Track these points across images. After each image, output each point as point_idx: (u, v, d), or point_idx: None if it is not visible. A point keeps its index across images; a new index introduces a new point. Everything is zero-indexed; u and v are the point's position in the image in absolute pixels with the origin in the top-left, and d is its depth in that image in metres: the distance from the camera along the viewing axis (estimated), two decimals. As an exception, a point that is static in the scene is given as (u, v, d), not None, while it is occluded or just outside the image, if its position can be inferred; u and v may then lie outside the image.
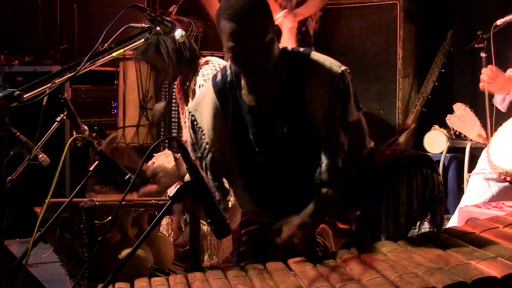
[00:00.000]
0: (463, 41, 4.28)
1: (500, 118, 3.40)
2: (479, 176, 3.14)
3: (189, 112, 2.19)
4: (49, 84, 1.91)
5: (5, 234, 1.53)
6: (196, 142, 2.18)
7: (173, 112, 4.17)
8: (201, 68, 3.07)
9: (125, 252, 2.57)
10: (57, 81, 1.95)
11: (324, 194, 2.03)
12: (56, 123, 2.59)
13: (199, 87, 2.97)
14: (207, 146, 2.13)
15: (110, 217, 2.50)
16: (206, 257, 3.12)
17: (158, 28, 2.11)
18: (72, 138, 2.06)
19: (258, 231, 2.25)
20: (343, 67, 2.04)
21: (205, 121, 2.13)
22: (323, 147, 2.04)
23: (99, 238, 2.45)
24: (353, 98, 2.06)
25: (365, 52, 4.61)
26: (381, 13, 4.55)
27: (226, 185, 2.31)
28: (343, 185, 2.06)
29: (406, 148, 4.30)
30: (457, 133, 3.83)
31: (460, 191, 3.98)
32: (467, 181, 3.41)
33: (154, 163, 3.32)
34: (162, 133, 4.31)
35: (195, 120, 2.16)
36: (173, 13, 3.98)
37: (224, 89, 2.11)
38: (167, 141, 3.85)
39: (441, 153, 4.23)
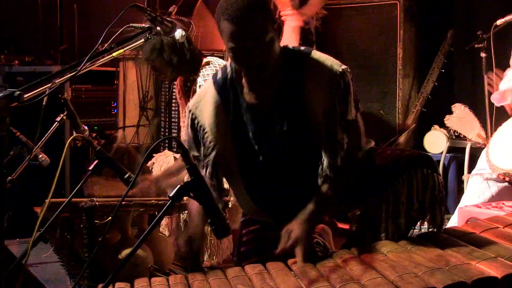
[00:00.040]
0: (463, 41, 4.28)
1: (500, 118, 3.40)
2: (478, 176, 3.14)
3: (189, 110, 2.18)
4: (49, 84, 1.91)
5: (5, 234, 1.53)
6: (194, 141, 2.17)
7: (173, 112, 4.17)
8: (202, 69, 3.07)
9: (125, 252, 2.57)
10: (57, 81, 1.95)
11: (324, 193, 2.03)
12: (56, 123, 2.59)
13: (200, 87, 2.97)
14: (211, 144, 2.12)
15: (110, 217, 2.51)
16: (206, 257, 3.12)
17: (158, 28, 2.11)
18: (71, 138, 2.06)
19: (258, 231, 2.25)
20: (343, 66, 2.04)
21: (207, 118, 2.12)
22: (323, 145, 2.04)
23: (99, 238, 2.45)
24: (353, 97, 2.06)
25: (365, 52, 4.61)
26: (381, 13, 4.56)
27: (226, 185, 2.31)
28: (343, 184, 2.06)
29: (406, 148, 4.30)
30: (456, 133, 3.83)
31: (460, 191, 3.98)
32: (467, 181, 3.41)
33: (154, 163, 3.33)
34: (162, 133, 4.31)
35: (196, 118, 2.15)
36: (173, 13, 3.98)
37: (225, 87, 2.11)
38: (167, 141, 3.86)
39: (441, 153, 4.23)
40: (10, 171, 2.44)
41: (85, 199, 2.46)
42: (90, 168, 1.97)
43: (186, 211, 2.94)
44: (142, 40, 2.10)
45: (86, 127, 2.71)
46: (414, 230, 2.13)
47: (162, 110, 4.31)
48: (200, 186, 1.70)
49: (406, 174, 2.07)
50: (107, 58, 2.13)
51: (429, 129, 4.32)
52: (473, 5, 4.56)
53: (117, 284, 1.82)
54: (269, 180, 2.15)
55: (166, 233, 3.21)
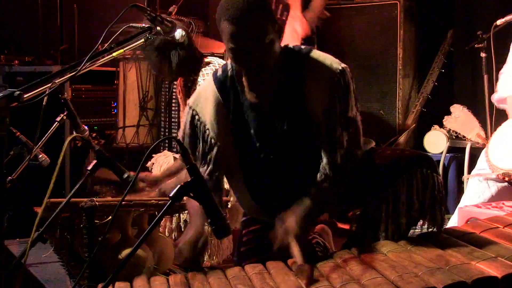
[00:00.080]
0: (463, 41, 4.28)
1: (499, 118, 3.40)
2: (478, 177, 3.14)
3: (190, 107, 2.18)
4: (49, 84, 1.91)
5: (5, 234, 1.53)
6: (192, 138, 2.16)
7: (173, 112, 4.17)
8: (202, 69, 3.07)
9: (125, 252, 2.57)
10: (57, 81, 1.95)
11: (321, 189, 2.03)
12: (56, 123, 2.59)
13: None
14: (213, 141, 2.12)
15: (110, 217, 2.50)
16: (206, 257, 3.12)
17: (158, 28, 2.11)
18: (70, 137, 2.05)
19: (259, 231, 2.25)
20: (343, 65, 2.04)
21: (208, 115, 2.12)
22: (322, 143, 2.03)
23: (99, 238, 2.45)
24: (353, 95, 2.06)
25: (365, 52, 4.61)
26: (381, 13, 4.56)
27: (226, 185, 2.31)
28: (342, 182, 2.06)
29: (406, 148, 4.30)
30: (456, 133, 3.83)
31: (460, 191, 3.98)
32: (467, 181, 3.40)
33: (153, 163, 3.33)
34: (162, 133, 4.31)
35: (196, 114, 2.15)
36: (173, 13, 3.98)
37: (225, 84, 2.11)
38: (167, 141, 3.86)
39: (441, 153, 4.23)
40: (10, 171, 2.44)
41: (85, 199, 2.46)
42: (89, 168, 1.97)
43: (186, 211, 2.94)
44: (142, 40, 2.10)
45: (86, 127, 2.71)
46: (415, 230, 2.14)
47: (162, 110, 4.31)
48: (200, 186, 1.70)
49: (406, 174, 2.07)
50: (107, 58, 2.13)
51: (429, 129, 4.32)
52: (473, 5, 4.56)
53: (117, 284, 1.82)
54: (270, 179, 2.15)
55: (166, 233, 3.21)
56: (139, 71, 4.39)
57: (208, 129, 2.12)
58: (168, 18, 2.16)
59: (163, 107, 4.30)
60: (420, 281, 1.59)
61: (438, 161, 4.16)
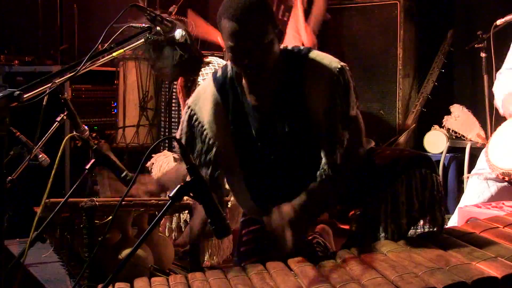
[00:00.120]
0: (463, 41, 4.28)
1: (499, 118, 3.39)
2: (478, 176, 3.14)
3: (189, 107, 2.18)
4: (49, 84, 1.91)
5: (5, 234, 1.53)
6: (189, 137, 2.16)
7: (173, 112, 4.17)
8: (202, 69, 3.07)
9: (125, 252, 2.57)
10: (57, 81, 1.95)
11: (320, 186, 2.03)
12: (56, 123, 2.59)
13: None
14: (210, 141, 2.12)
15: (110, 217, 2.50)
16: (206, 257, 3.12)
17: (158, 28, 2.11)
18: (68, 136, 2.05)
19: (259, 231, 2.25)
20: (342, 63, 2.05)
21: (206, 115, 2.12)
22: (323, 142, 2.04)
23: (99, 238, 2.45)
24: (353, 93, 2.06)
25: (365, 52, 4.62)
26: (381, 13, 4.56)
27: (226, 186, 2.31)
28: (341, 181, 2.06)
29: (406, 148, 4.30)
30: (456, 133, 3.83)
31: (460, 191, 3.98)
32: (467, 181, 3.40)
33: (153, 163, 3.32)
34: (162, 133, 4.31)
35: (194, 114, 2.15)
36: (173, 13, 3.98)
37: (224, 85, 2.12)
38: (167, 141, 3.85)
39: (441, 153, 4.23)
40: (10, 171, 2.44)
41: (85, 199, 2.46)
42: (87, 167, 1.97)
43: (186, 211, 2.94)
44: (142, 40, 2.10)
45: (86, 127, 2.71)
46: (416, 231, 2.14)
47: (162, 110, 4.31)
48: (200, 186, 1.70)
49: (405, 174, 2.07)
50: (107, 58, 2.13)
51: (429, 129, 4.32)
52: (473, 5, 4.57)
53: (117, 284, 1.82)
54: (270, 179, 2.15)
55: (166, 233, 3.21)
56: (139, 71, 4.39)
57: (205, 129, 2.12)
58: (168, 18, 2.16)
59: (163, 107, 4.30)
60: (420, 281, 1.59)
61: (438, 161, 4.17)
